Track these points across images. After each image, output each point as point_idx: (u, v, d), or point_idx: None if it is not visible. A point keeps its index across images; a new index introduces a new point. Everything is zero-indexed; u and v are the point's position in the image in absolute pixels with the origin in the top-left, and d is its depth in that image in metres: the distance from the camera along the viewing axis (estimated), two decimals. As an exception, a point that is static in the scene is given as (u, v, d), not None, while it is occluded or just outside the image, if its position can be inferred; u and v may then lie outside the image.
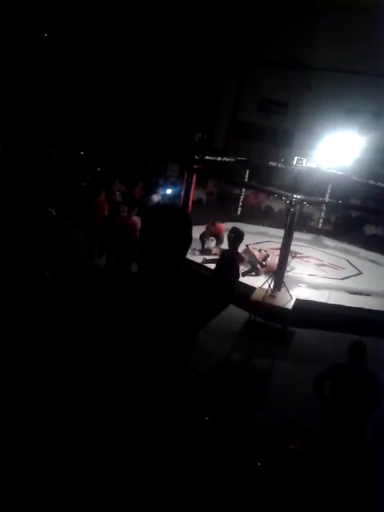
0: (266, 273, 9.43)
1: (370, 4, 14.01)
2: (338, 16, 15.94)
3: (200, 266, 9.83)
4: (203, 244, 10.60)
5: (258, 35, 18.14)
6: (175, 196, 12.17)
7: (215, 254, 10.34)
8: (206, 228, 10.79)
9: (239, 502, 3.43)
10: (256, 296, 8.26)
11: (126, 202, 10.00)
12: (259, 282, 8.71)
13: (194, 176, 10.75)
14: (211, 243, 10.65)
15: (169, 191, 12.36)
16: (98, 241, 9.87)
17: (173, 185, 13.03)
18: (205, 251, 10.55)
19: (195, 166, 10.80)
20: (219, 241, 10.73)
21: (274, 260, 9.61)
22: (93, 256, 9.89)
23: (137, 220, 8.78)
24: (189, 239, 2.11)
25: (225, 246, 10.57)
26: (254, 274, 9.69)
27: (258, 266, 9.81)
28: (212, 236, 10.79)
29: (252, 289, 8.59)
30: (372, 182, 13.34)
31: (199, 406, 5.07)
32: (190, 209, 10.78)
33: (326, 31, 16.66)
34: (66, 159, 13.32)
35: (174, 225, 2.05)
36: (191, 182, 10.70)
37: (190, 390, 2.22)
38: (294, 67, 16.84)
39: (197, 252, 10.34)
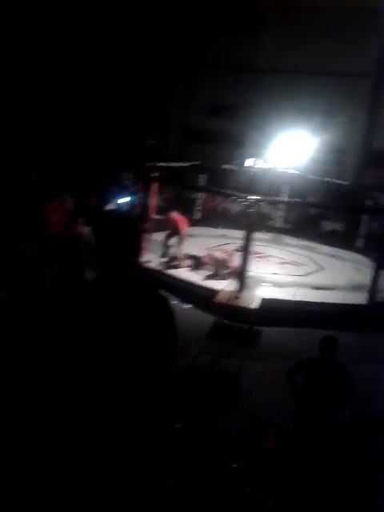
0: (231, 274, 9.36)
1: (312, 5, 14.38)
2: (283, 18, 16.26)
3: (160, 273, 9.65)
4: (165, 247, 10.38)
5: (204, 40, 18.29)
6: (131, 205, 11.98)
7: (178, 260, 10.17)
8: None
9: (217, 505, 3.30)
10: (221, 298, 8.19)
11: (79, 213, 9.75)
12: (223, 284, 8.65)
13: (154, 184, 10.58)
14: (172, 249, 10.44)
15: (124, 200, 12.15)
16: (51, 251, 9.50)
17: (128, 193, 12.84)
18: (166, 256, 10.37)
19: (155, 174, 10.62)
20: (179, 236, 10.22)
21: (235, 260, 9.56)
22: (46, 267, 9.52)
23: (83, 229, 8.64)
24: (137, 243, 2.15)
25: (195, 248, 10.36)
26: (218, 277, 9.58)
27: (222, 270, 9.71)
28: (170, 232, 10.40)
29: (216, 291, 8.52)
30: (327, 179, 13.58)
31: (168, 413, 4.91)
32: (152, 217, 10.61)
33: (270, 33, 16.92)
34: (14, 173, 12.95)
35: (120, 230, 2.09)
36: (148, 190, 10.58)
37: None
38: (242, 70, 17.05)
39: (161, 258, 10.16)
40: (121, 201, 12.29)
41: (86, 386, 1.99)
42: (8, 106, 15.33)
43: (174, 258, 10.29)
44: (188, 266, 10.11)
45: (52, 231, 9.34)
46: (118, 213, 2.16)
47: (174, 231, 10.31)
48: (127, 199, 12.33)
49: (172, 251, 10.38)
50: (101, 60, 17.14)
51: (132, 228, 2.12)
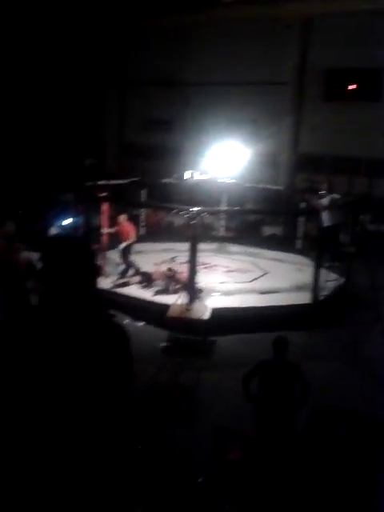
0: (181, 288, 9.45)
1: (231, 17, 14.85)
2: (204, 31, 16.68)
3: (110, 292, 9.62)
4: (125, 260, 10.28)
5: (132, 57, 18.49)
6: (75, 226, 11.85)
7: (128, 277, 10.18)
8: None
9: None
10: (172, 312, 8.29)
11: (20, 238, 9.57)
12: (173, 298, 8.75)
13: (104, 203, 10.54)
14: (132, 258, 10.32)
15: (66, 222, 11.99)
16: None
17: (70, 215, 12.68)
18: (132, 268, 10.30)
19: (102, 194, 10.52)
20: (129, 239, 10.19)
21: (183, 273, 9.69)
22: None
23: (23, 254, 8.63)
24: (91, 268, 2.11)
25: (143, 264, 10.38)
26: (170, 292, 9.66)
27: (173, 284, 9.77)
28: (123, 241, 10.30)
29: (166, 306, 8.61)
30: (262, 186, 14.06)
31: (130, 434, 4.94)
32: (105, 238, 10.54)
33: (194, 47, 17.32)
34: None
35: (72, 255, 2.04)
36: (90, 210, 10.58)
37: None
38: (171, 85, 17.34)
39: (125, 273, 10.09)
40: (63, 223, 12.11)
41: (37, 417, 1.97)
42: None
43: (124, 275, 10.27)
44: (138, 283, 10.15)
45: None
46: (69, 236, 2.07)
47: (126, 238, 10.26)
48: (70, 221, 12.17)
49: (133, 261, 10.27)
50: (32, 81, 16.89)
51: (84, 251, 2.08)
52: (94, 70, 18.23)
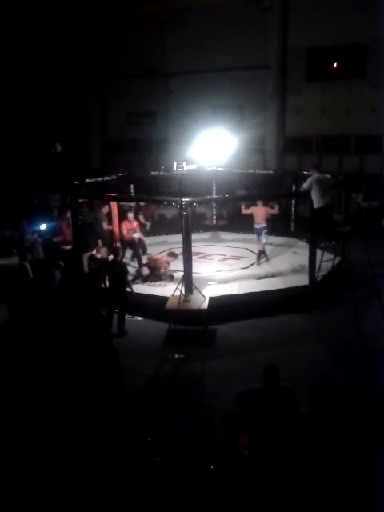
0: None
1: (209, 3, 14.70)
2: (182, 19, 16.52)
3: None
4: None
5: (111, 51, 18.27)
6: (52, 230, 11.39)
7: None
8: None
9: (202, 509, 3.37)
10: (171, 304, 8.26)
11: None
12: (170, 291, 8.72)
13: (113, 204, 10.65)
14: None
15: (43, 226, 11.45)
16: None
17: (48, 218, 12.15)
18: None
19: (111, 194, 10.57)
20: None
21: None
22: None
23: None
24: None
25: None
26: (161, 281, 9.68)
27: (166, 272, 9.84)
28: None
29: (164, 299, 8.57)
30: (251, 171, 13.99)
31: (139, 428, 4.93)
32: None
33: (173, 36, 17.19)
34: None
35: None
36: (77, 210, 10.47)
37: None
38: (152, 76, 17.18)
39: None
40: (38, 228, 11.50)
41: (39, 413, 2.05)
42: None
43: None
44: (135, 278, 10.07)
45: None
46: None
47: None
48: (46, 226, 11.53)
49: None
50: (15, 83, 16.68)
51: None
52: (73, 66, 17.99)
